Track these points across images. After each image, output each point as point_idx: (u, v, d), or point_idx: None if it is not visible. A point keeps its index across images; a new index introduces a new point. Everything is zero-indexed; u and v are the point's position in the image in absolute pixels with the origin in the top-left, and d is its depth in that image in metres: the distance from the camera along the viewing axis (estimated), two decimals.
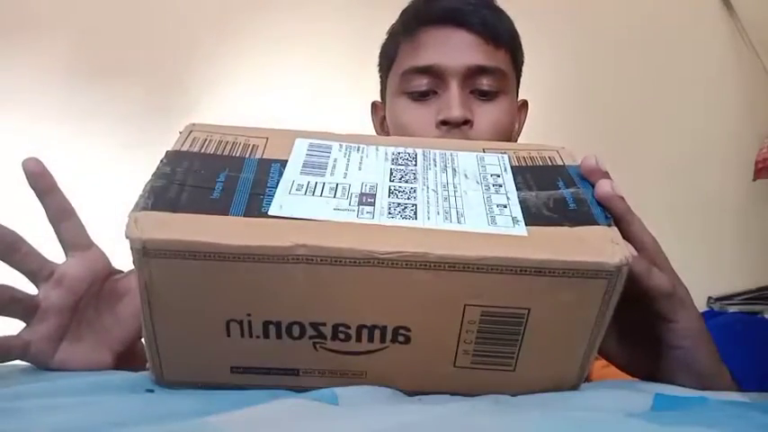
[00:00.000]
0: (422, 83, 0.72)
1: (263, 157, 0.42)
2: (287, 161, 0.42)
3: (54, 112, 1.84)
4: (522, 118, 0.83)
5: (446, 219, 0.38)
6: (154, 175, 0.41)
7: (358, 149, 0.45)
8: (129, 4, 1.81)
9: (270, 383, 0.39)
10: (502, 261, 0.35)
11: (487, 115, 0.72)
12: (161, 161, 0.42)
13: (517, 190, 0.42)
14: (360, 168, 0.43)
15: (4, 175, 1.81)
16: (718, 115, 1.80)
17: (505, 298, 0.37)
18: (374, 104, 0.85)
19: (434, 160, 0.45)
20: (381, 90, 0.82)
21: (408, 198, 0.40)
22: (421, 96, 0.73)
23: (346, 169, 0.42)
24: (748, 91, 1.81)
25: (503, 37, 0.74)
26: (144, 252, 0.35)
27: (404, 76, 0.73)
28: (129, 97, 1.77)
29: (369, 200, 0.39)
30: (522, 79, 0.82)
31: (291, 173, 0.41)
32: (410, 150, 0.45)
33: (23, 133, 1.83)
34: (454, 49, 0.71)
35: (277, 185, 0.39)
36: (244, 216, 0.36)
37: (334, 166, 0.42)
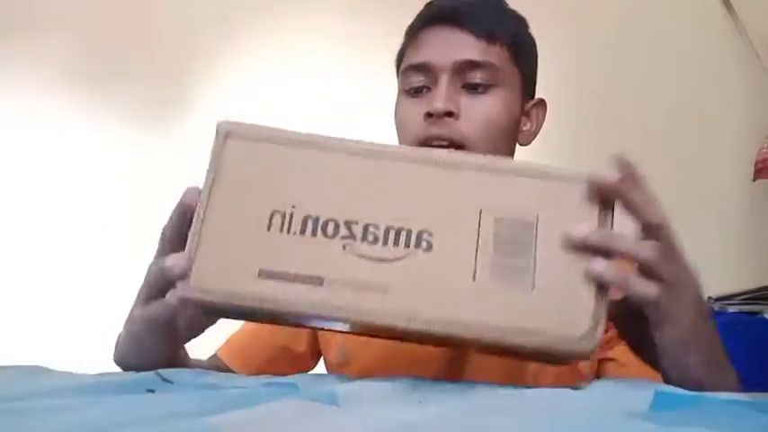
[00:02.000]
0: (416, 80, 0.75)
1: None
2: None
3: (54, 112, 1.84)
4: (540, 118, 0.83)
5: None
6: None
7: None
8: (130, 4, 1.81)
9: (291, 296, 0.41)
10: (512, 165, 0.46)
11: (476, 107, 0.74)
12: None
13: None
14: None
15: (5, 174, 1.81)
16: (718, 115, 1.80)
17: (516, 203, 0.43)
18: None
19: None
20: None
21: None
22: (416, 93, 0.76)
23: None
24: (748, 91, 1.81)
25: (499, 34, 0.75)
26: (227, 135, 0.44)
27: (403, 74, 0.77)
28: (129, 97, 1.77)
29: None
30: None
31: None
32: None
33: (24, 133, 1.83)
34: (445, 45, 0.75)
35: None
36: None
37: None
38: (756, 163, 1.71)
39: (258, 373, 0.65)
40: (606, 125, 1.75)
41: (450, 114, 0.72)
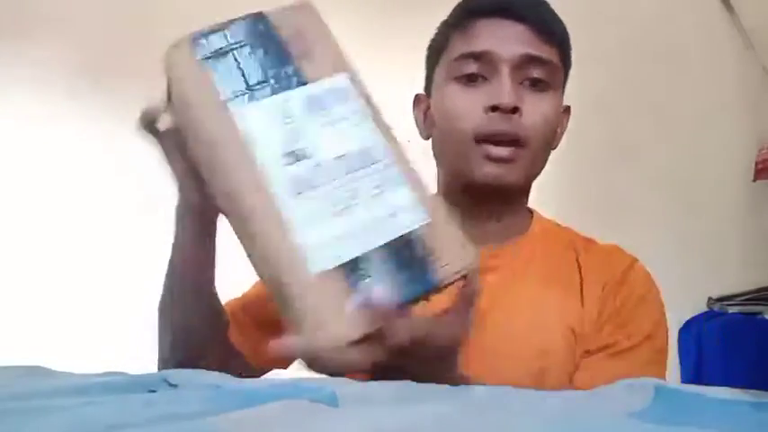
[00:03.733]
0: (472, 67, 0.72)
1: None
2: None
3: (54, 111, 1.84)
4: (565, 125, 0.81)
5: None
6: None
7: None
8: (129, 4, 1.81)
9: None
10: None
11: (537, 106, 0.72)
12: None
13: None
14: None
15: (5, 173, 1.81)
16: (719, 115, 1.80)
17: None
18: (417, 97, 0.84)
19: None
20: (426, 83, 0.82)
21: None
22: (469, 81, 0.73)
23: None
24: (748, 91, 1.81)
25: (555, 32, 0.74)
26: None
27: (455, 61, 0.74)
28: (129, 97, 1.77)
29: None
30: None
31: None
32: None
33: (24, 133, 1.83)
34: (507, 37, 0.72)
35: None
36: None
37: None
38: (756, 163, 1.71)
39: (254, 333, 0.71)
40: (606, 125, 1.75)
41: (515, 110, 0.70)
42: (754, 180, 1.72)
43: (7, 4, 1.82)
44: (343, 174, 0.49)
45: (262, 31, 0.52)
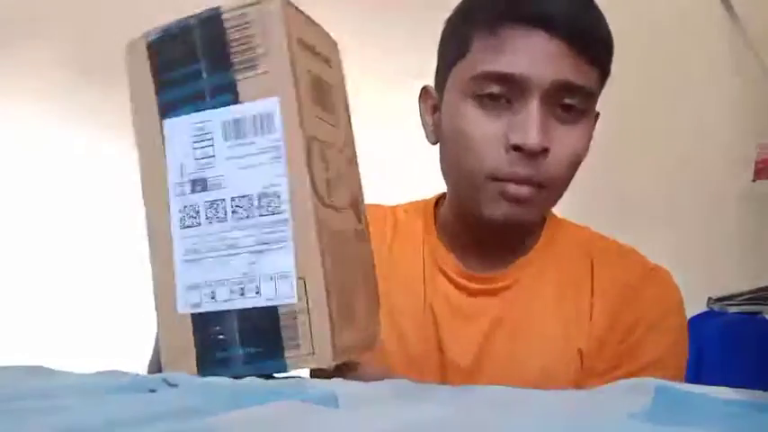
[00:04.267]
0: (495, 88, 0.62)
1: None
2: None
3: (54, 111, 1.84)
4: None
5: None
6: None
7: None
8: (129, 4, 1.81)
9: None
10: None
11: (567, 141, 0.63)
12: None
13: None
14: None
15: (5, 173, 1.81)
16: (718, 115, 1.80)
17: None
18: (425, 90, 0.74)
19: None
20: (438, 78, 0.71)
21: None
22: (491, 101, 0.63)
23: None
24: (748, 91, 1.81)
25: (598, 51, 0.64)
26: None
27: (476, 78, 0.63)
28: (129, 96, 1.77)
29: None
30: None
31: None
32: None
33: (24, 133, 1.83)
34: (543, 58, 0.61)
35: None
36: None
37: None
38: (756, 163, 1.72)
39: None
40: (606, 125, 1.75)
41: (544, 151, 0.61)
42: (754, 180, 1.72)
43: (7, 5, 1.82)
44: (236, 219, 0.44)
45: (212, 32, 0.45)
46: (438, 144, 0.71)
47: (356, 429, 0.32)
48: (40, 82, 1.84)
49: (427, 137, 0.73)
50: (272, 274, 0.43)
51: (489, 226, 0.66)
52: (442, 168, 0.71)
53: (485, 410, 0.37)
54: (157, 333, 0.47)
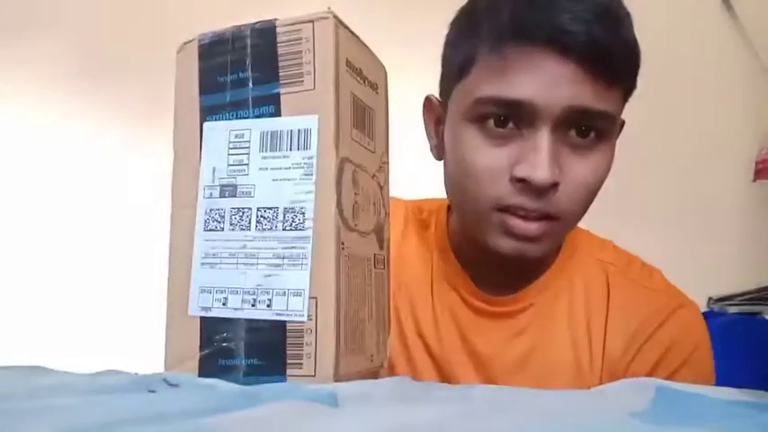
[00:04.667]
0: (501, 115, 0.57)
1: None
2: None
3: (54, 111, 1.84)
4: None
5: None
6: None
7: None
8: (129, 4, 1.81)
9: None
10: None
11: (582, 172, 0.57)
12: None
13: None
14: None
15: (5, 173, 1.81)
16: (718, 115, 1.80)
17: None
18: (428, 101, 0.68)
19: None
20: (442, 87, 0.65)
21: None
22: (496, 128, 0.57)
23: None
24: (748, 91, 1.81)
25: (620, 70, 0.56)
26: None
27: (480, 103, 0.57)
28: (129, 96, 1.77)
29: None
30: None
31: None
32: None
33: (24, 133, 1.83)
34: (553, 82, 0.54)
35: None
36: None
37: None
38: (756, 164, 1.72)
39: None
40: None
41: (554, 185, 0.56)
42: (754, 180, 1.72)
43: (7, 4, 1.82)
44: (258, 229, 0.44)
45: (264, 43, 0.46)
46: (442, 161, 0.66)
47: (356, 429, 0.32)
48: (39, 81, 1.84)
49: (431, 150, 0.69)
50: (286, 289, 0.43)
51: (497, 256, 0.61)
52: (445, 187, 0.66)
53: (485, 410, 0.37)
54: (165, 332, 0.47)
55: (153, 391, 0.40)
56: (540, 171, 0.54)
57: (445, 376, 0.68)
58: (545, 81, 0.54)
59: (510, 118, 0.56)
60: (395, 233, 0.72)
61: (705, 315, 1.81)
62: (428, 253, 0.72)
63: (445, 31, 0.65)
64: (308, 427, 0.32)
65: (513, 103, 0.55)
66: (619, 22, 0.57)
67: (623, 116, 0.67)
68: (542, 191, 0.56)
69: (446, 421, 0.34)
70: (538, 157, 0.55)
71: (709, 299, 1.70)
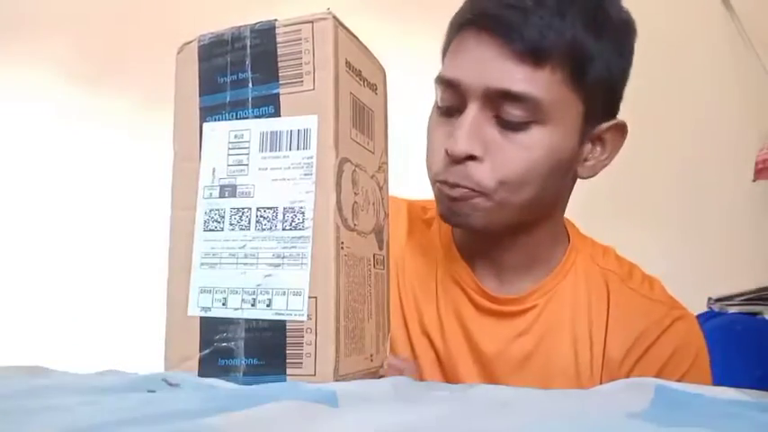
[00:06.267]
0: (447, 96, 0.62)
1: None
2: None
3: (54, 111, 1.84)
4: (615, 144, 0.66)
5: None
6: None
7: None
8: (129, 3, 1.81)
9: None
10: None
11: (506, 150, 0.59)
12: None
13: None
14: None
15: (5, 173, 1.81)
16: (718, 116, 1.80)
17: None
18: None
19: None
20: None
21: None
22: (447, 112, 0.62)
23: None
24: (748, 91, 1.81)
25: (551, 51, 0.57)
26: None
27: (435, 84, 0.63)
28: (129, 96, 1.77)
29: None
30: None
31: None
32: None
33: (24, 132, 1.83)
34: (479, 63, 0.59)
35: None
36: None
37: None
38: (756, 164, 1.71)
39: None
40: None
41: (472, 158, 0.59)
42: (754, 180, 1.72)
43: (8, 4, 1.82)
44: (257, 228, 0.44)
45: (264, 43, 0.46)
46: None
47: (356, 429, 0.32)
48: (40, 81, 1.84)
49: None
50: (286, 288, 0.43)
51: (470, 233, 0.67)
52: None
53: (485, 410, 0.37)
54: (165, 332, 0.47)
55: (153, 391, 0.40)
56: (457, 141, 0.59)
57: (448, 374, 0.69)
58: (471, 62, 0.59)
59: (451, 98, 0.61)
60: (398, 233, 0.73)
61: (705, 315, 1.81)
62: (433, 251, 0.73)
63: (443, 30, 0.68)
64: (307, 427, 0.32)
65: (446, 82, 0.61)
66: (556, 9, 0.58)
67: (624, 118, 0.67)
68: (459, 162, 0.60)
69: (446, 421, 0.34)
70: (457, 129, 0.59)
71: (709, 299, 1.70)
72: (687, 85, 1.77)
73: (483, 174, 0.60)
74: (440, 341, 0.69)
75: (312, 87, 0.44)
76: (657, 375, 0.64)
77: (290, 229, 0.44)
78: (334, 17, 0.44)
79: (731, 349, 1.51)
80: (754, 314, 1.63)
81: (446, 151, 0.60)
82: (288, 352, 0.43)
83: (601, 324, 0.66)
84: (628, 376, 0.65)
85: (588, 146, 0.65)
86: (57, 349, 1.41)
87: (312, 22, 0.45)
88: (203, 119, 0.47)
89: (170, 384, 0.41)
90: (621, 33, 0.64)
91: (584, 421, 0.34)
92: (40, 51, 1.82)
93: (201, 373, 0.44)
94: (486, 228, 0.64)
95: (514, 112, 0.59)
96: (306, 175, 0.44)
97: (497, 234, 0.67)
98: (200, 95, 0.47)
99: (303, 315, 0.43)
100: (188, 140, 0.48)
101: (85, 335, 1.72)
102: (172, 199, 0.48)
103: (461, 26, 0.62)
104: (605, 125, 0.65)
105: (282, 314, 0.43)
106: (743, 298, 1.68)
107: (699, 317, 1.67)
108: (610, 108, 0.66)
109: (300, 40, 0.45)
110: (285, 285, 0.43)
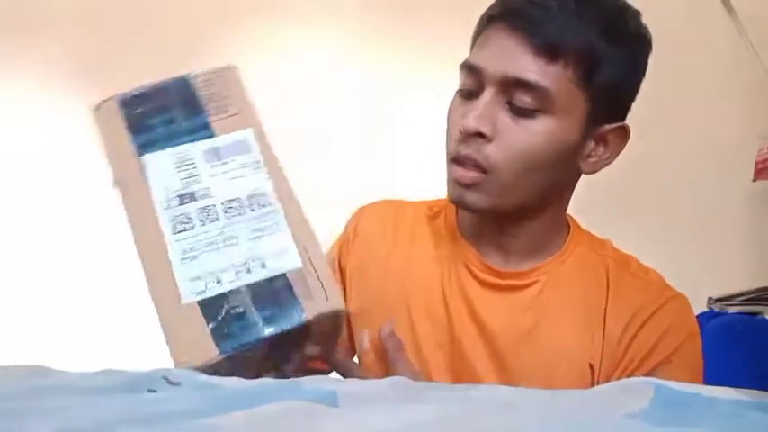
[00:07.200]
0: (468, 81, 0.67)
1: None
2: None
3: (54, 110, 1.84)
4: (617, 146, 0.70)
5: None
6: None
7: None
8: (129, 3, 1.81)
9: None
10: None
11: (514, 133, 0.64)
12: None
13: None
14: None
15: (5, 173, 1.81)
16: (718, 116, 1.80)
17: None
18: None
19: None
20: None
21: None
22: (468, 95, 0.67)
23: None
24: (748, 91, 1.81)
25: (565, 50, 0.63)
26: None
27: (460, 68, 0.69)
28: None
29: None
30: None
31: None
32: None
33: (24, 132, 1.83)
34: (500, 52, 0.65)
35: None
36: None
37: None
38: (756, 164, 1.71)
39: None
40: None
41: (481, 135, 0.64)
42: (754, 180, 1.72)
43: (8, 4, 1.82)
44: (229, 216, 0.52)
45: (184, 90, 0.56)
46: None
47: (356, 429, 0.32)
48: (40, 80, 1.84)
49: None
50: (275, 250, 0.51)
51: (476, 217, 0.71)
52: None
53: (485, 410, 0.37)
54: (165, 335, 0.49)
55: (153, 391, 0.40)
56: (469, 119, 0.64)
57: (455, 354, 0.70)
58: (493, 51, 0.66)
59: (471, 82, 0.67)
60: (403, 236, 0.77)
61: (705, 315, 1.81)
62: (438, 239, 0.76)
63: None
64: (308, 426, 0.32)
65: (469, 67, 0.67)
66: (577, 12, 0.64)
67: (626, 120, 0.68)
68: (471, 137, 0.65)
69: (446, 421, 0.34)
70: (472, 109, 0.65)
71: (709, 299, 1.70)
72: (687, 85, 1.77)
73: (490, 150, 0.65)
74: (445, 321, 0.71)
75: (237, 112, 0.56)
76: (654, 347, 0.68)
77: (259, 208, 0.52)
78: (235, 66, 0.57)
79: (731, 349, 1.51)
80: (754, 314, 1.63)
81: (459, 129, 0.65)
82: (297, 291, 0.49)
83: (600, 304, 0.70)
84: (627, 349, 0.68)
85: (591, 143, 0.69)
86: (57, 349, 1.41)
87: (216, 71, 0.58)
88: (140, 154, 0.54)
89: (171, 383, 0.41)
90: (636, 45, 0.68)
91: (584, 421, 0.34)
92: (40, 51, 1.82)
93: (221, 345, 0.48)
94: (492, 210, 0.68)
95: (525, 99, 0.64)
96: (257, 169, 0.53)
97: (502, 219, 0.70)
98: (131, 134, 0.55)
99: (299, 262, 0.50)
100: (129, 175, 0.54)
101: (85, 334, 1.72)
102: (131, 224, 0.54)
103: (490, 19, 0.67)
104: (609, 126, 0.68)
105: (281, 268, 0.50)
106: (743, 298, 1.68)
107: (699, 317, 1.67)
108: (616, 111, 0.70)
109: (214, 83, 0.57)
110: (273, 248, 0.51)
